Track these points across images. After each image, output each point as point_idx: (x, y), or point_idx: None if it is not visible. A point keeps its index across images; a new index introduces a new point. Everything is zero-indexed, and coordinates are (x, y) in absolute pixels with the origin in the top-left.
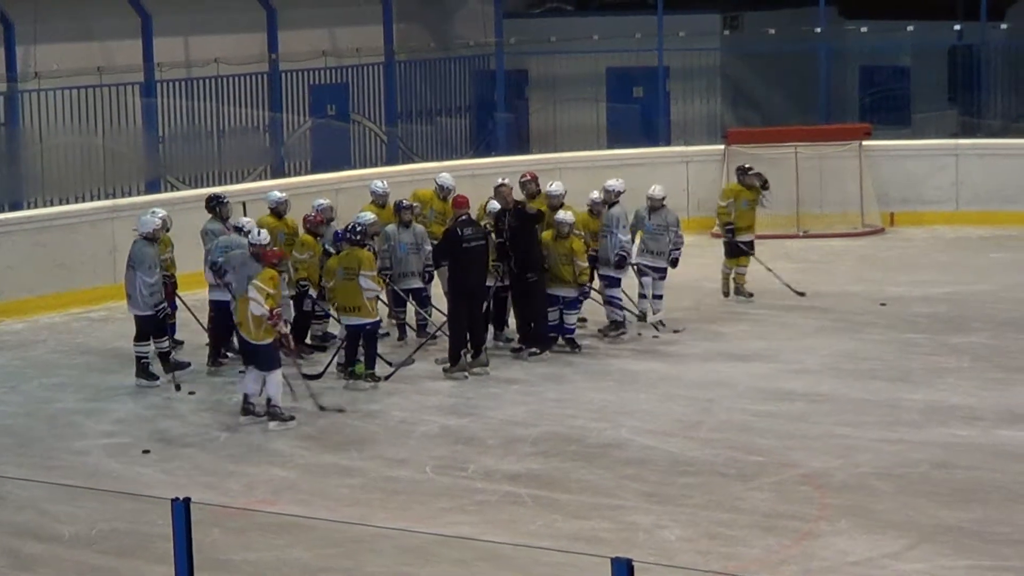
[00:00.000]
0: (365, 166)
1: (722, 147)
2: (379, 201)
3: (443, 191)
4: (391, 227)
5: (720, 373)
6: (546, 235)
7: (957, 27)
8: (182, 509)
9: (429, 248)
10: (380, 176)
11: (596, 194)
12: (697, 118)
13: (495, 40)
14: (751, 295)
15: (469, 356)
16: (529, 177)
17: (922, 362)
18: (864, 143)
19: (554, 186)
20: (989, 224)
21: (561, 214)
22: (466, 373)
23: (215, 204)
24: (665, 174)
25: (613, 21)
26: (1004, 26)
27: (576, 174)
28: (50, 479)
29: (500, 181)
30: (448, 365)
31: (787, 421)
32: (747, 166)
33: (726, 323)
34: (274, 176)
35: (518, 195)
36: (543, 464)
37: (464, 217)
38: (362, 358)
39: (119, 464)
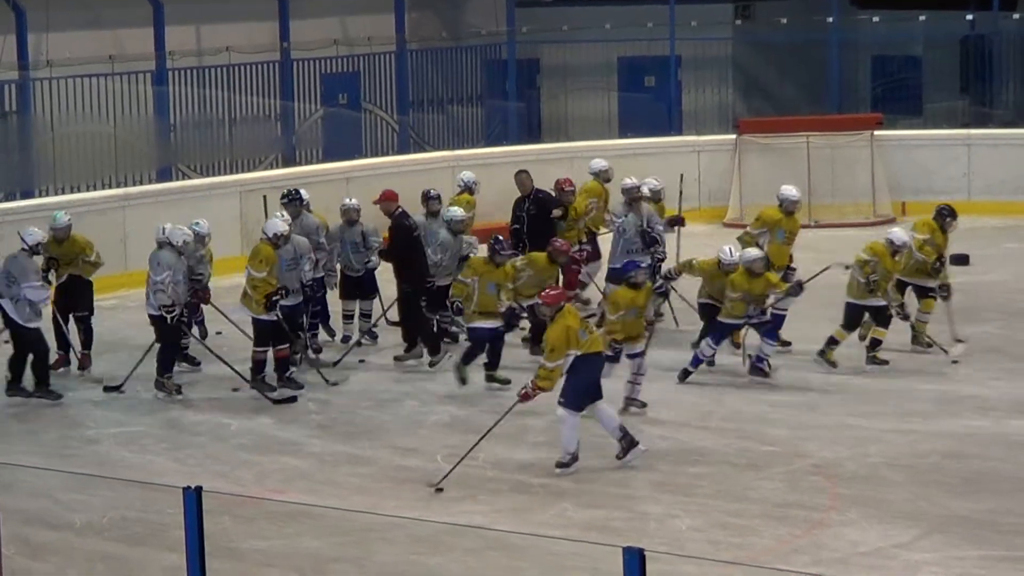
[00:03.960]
0: (376, 155)
1: (734, 137)
2: (472, 190)
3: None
4: (420, 218)
5: (731, 362)
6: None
7: (969, 17)
8: (193, 497)
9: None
10: (394, 164)
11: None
12: (709, 107)
13: (507, 29)
14: (930, 345)
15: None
16: (569, 187)
17: (934, 352)
18: (876, 133)
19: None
20: (1001, 214)
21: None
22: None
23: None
24: (676, 163)
25: (625, 10)
26: (1016, 16)
27: (587, 163)
28: (62, 467)
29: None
30: (404, 353)
31: (798, 411)
32: (947, 208)
33: None
34: (285, 165)
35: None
36: (554, 453)
37: (402, 209)
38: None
39: (130, 453)
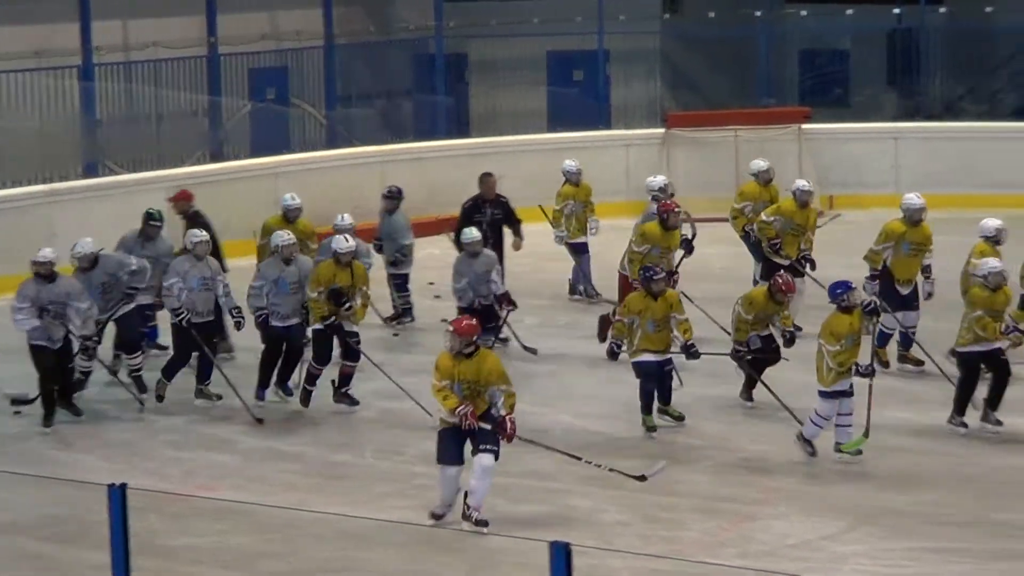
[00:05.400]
0: (305, 150)
1: (662, 130)
2: (574, 180)
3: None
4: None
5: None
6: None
7: (896, 11)
8: (118, 495)
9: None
10: (323, 160)
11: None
12: (637, 101)
13: (435, 24)
14: None
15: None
16: (680, 209)
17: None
18: (804, 126)
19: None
20: (929, 207)
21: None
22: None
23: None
24: (605, 157)
25: (553, 4)
26: (943, 10)
27: (517, 158)
28: None
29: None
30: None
31: (727, 404)
32: None
33: None
34: (213, 160)
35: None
36: None
37: (196, 209)
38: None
39: (58, 450)
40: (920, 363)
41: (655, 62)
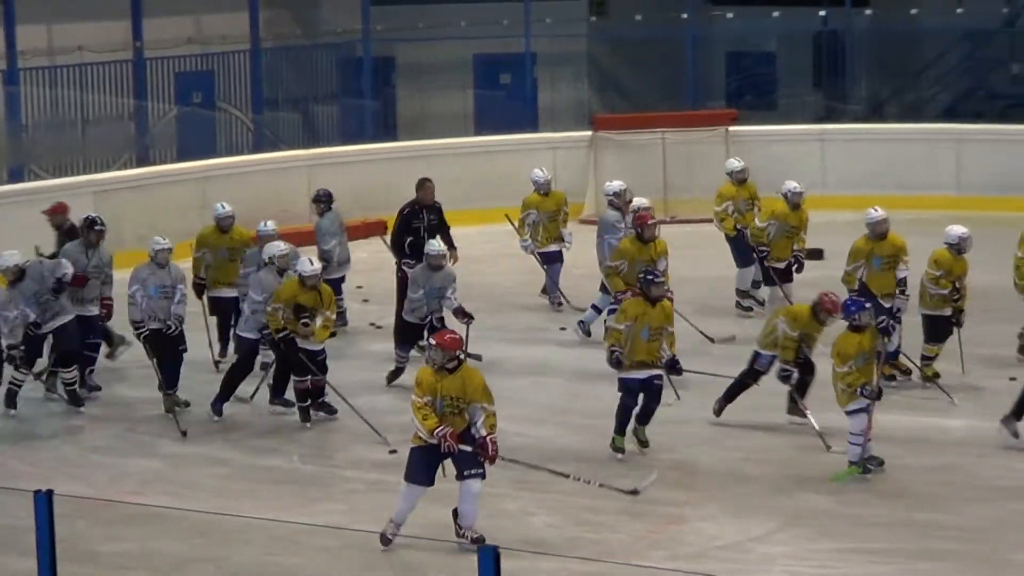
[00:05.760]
0: (231, 154)
1: (589, 133)
2: (541, 190)
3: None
4: (316, 218)
5: (588, 359)
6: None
7: (822, 13)
8: (44, 501)
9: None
10: (249, 164)
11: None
12: (564, 104)
13: (362, 27)
14: None
15: None
16: (653, 220)
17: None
18: (731, 128)
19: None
20: (855, 208)
21: None
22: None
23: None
24: (533, 160)
25: (480, 8)
26: (868, 11)
27: (444, 161)
28: None
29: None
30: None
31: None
32: None
33: None
34: (139, 165)
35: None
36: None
37: (71, 223)
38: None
39: None
40: (908, 372)
41: (582, 65)
